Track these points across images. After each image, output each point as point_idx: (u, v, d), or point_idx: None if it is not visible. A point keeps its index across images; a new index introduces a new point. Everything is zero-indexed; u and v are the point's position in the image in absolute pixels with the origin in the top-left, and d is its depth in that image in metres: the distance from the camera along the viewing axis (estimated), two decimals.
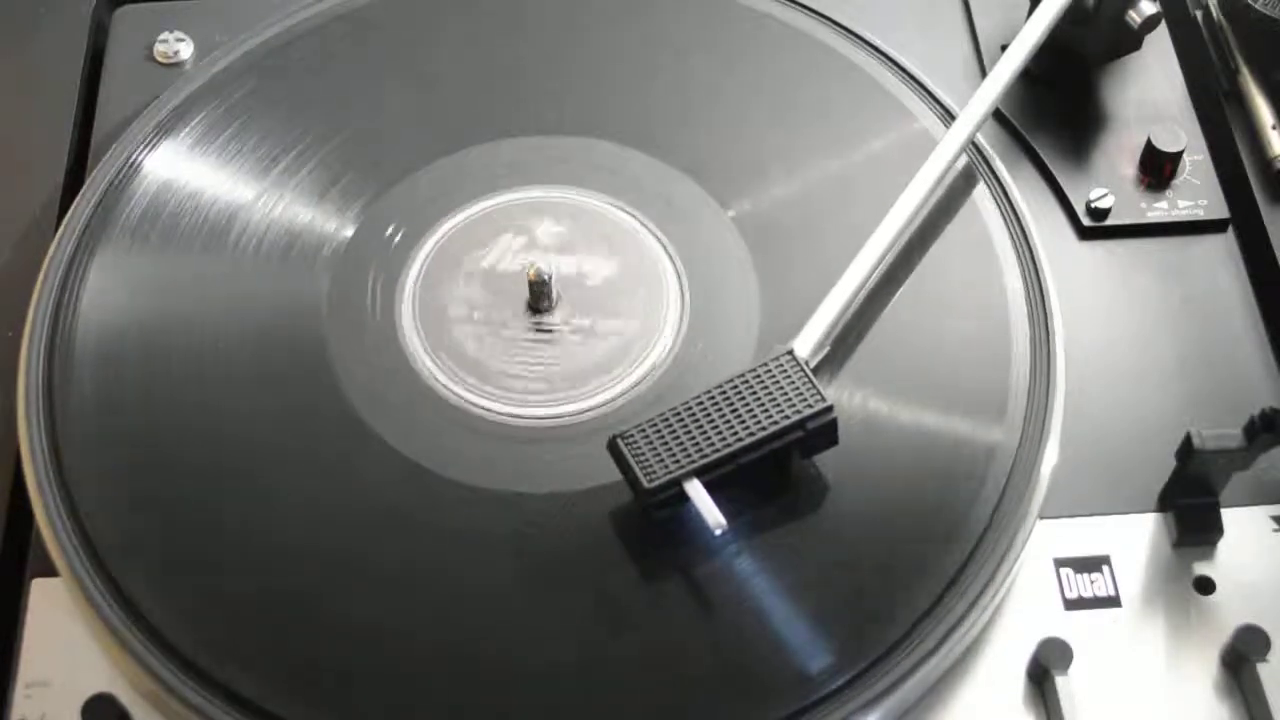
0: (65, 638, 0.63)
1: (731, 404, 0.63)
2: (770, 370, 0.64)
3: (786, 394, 0.63)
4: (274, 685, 0.60)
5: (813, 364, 0.65)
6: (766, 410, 0.63)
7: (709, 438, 0.62)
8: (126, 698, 0.60)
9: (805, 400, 0.63)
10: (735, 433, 0.62)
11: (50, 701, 0.61)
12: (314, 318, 0.70)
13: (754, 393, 0.63)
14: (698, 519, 0.60)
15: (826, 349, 0.67)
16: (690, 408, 0.63)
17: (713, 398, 0.63)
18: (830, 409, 0.63)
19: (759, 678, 0.60)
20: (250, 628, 0.62)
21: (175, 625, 0.61)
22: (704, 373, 0.67)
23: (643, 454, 0.62)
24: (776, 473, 0.64)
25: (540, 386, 0.68)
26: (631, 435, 0.62)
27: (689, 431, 0.62)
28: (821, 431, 0.63)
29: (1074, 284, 0.72)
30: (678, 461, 0.61)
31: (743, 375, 0.64)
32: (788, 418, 0.62)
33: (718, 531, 0.60)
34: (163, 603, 0.62)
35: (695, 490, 0.61)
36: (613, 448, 0.63)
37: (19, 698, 0.61)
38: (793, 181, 0.74)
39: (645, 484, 0.61)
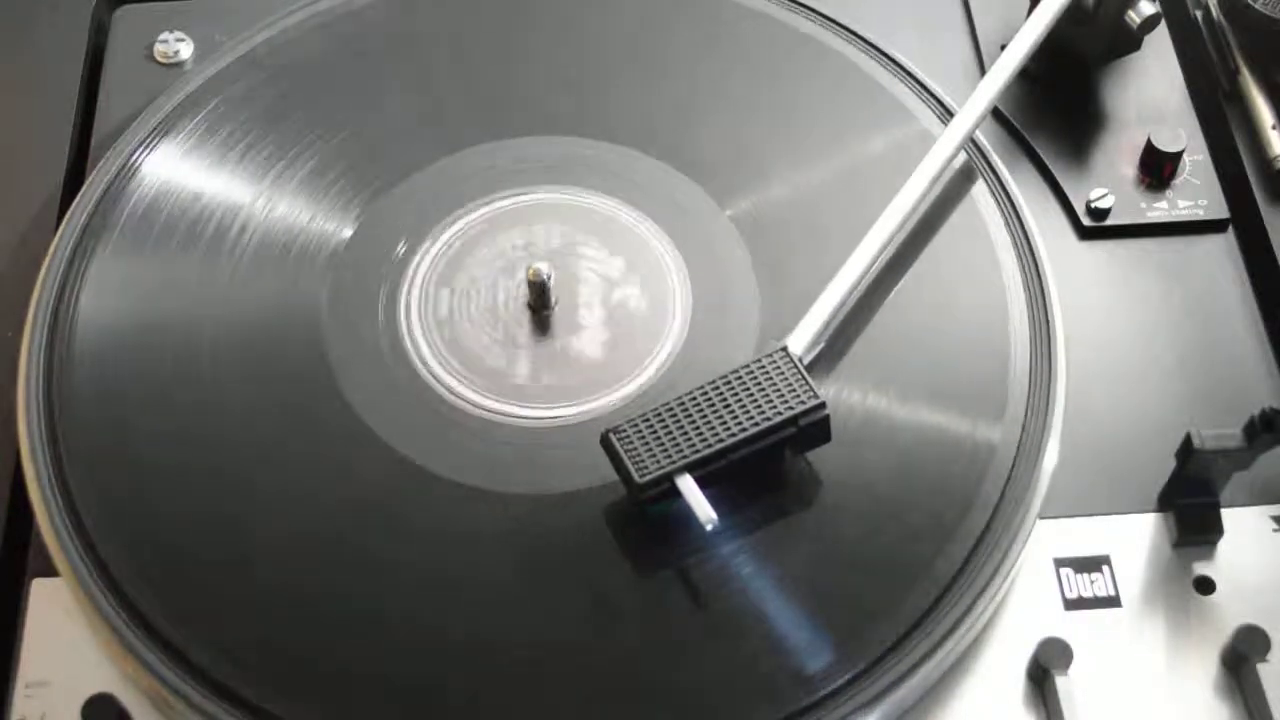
0: (65, 638, 0.63)
1: (725, 399, 0.63)
2: (764, 366, 0.64)
3: (780, 390, 0.63)
4: (274, 685, 0.60)
5: (807, 360, 0.65)
6: (759, 406, 0.63)
7: (701, 433, 0.62)
8: (126, 698, 0.60)
9: (798, 397, 0.63)
10: (728, 428, 0.62)
11: (50, 701, 0.61)
12: (313, 318, 0.70)
13: (747, 389, 0.63)
14: (692, 515, 0.60)
15: (821, 346, 0.67)
16: (683, 403, 0.63)
17: (705, 393, 0.63)
18: (822, 406, 0.63)
19: (758, 677, 0.60)
20: (250, 627, 0.62)
21: (175, 625, 0.61)
22: (703, 372, 0.67)
23: (635, 449, 0.62)
24: (771, 469, 0.64)
25: (539, 386, 0.68)
26: (624, 430, 0.62)
27: (681, 427, 0.62)
28: (814, 428, 0.63)
29: (1074, 284, 0.72)
30: (670, 456, 0.62)
31: (736, 371, 0.64)
32: (780, 414, 0.62)
33: (709, 526, 0.60)
34: (163, 603, 0.62)
35: (686, 485, 0.61)
36: (605, 442, 0.63)
37: (19, 698, 0.61)
38: (792, 181, 0.74)
39: (637, 479, 0.61)
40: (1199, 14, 0.80)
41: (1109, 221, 0.74)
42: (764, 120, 0.76)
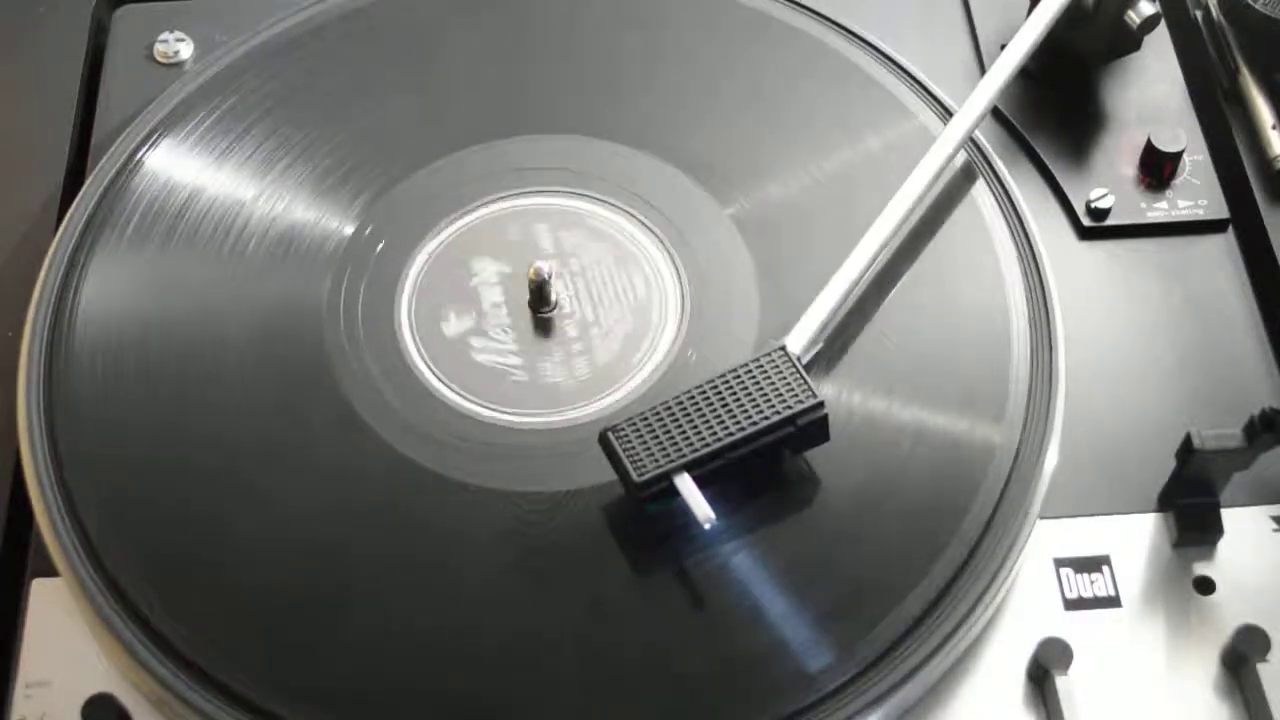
0: (65, 638, 0.63)
1: (723, 399, 0.63)
2: (762, 365, 0.64)
3: (778, 389, 0.63)
4: (274, 685, 0.60)
5: (805, 360, 0.65)
6: (757, 405, 0.63)
7: (699, 432, 0.62)
8: (126, 698, 0.60)
9: (796, 396, 0.63)
10: (726, 427, 0.62)
11: (50, 701, 0.61)
12: (313, 317, 0.70)
13: (745, 388, 0.63)
14: (690, 514, 0.60)
15: (820, 345, 0.67)
16: (681, 402, 0.63)
17: (704, 392, 0.63)
18: (821, 405, 0.63)
19: (759, 677, 0.60)
20: (250, 627, 0.62)
21: (175, 625, 0.61)
22: (702, 372, 0.67)
23: (633, 448, 0.62)
24: (769, 469, 0.64)
25: (539, 385, 0.68)
26: (622, 429, 0.62)
27: (680, 426, 0.62)
28: (812, 427, 0.63)
29: (1074, 284, 0.72)
30: (668, 455, 0.62)
31: (734, 370, 0.64)
32: (778, 413, 0.62)
33: (706, 525, 0.60)
34: (163, 603, 0.62)
35: (684, 484, 0.61)
36: (603, 441, 0.63)
37: (19, 698, 0.61)
38: (792, 180, 0.74)
39: (635, 478, 0.61)
40: (1199, 14, 0.80)
41: (1109, 221, 0.74)
42: (764, 120, 0.76)
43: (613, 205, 0.74)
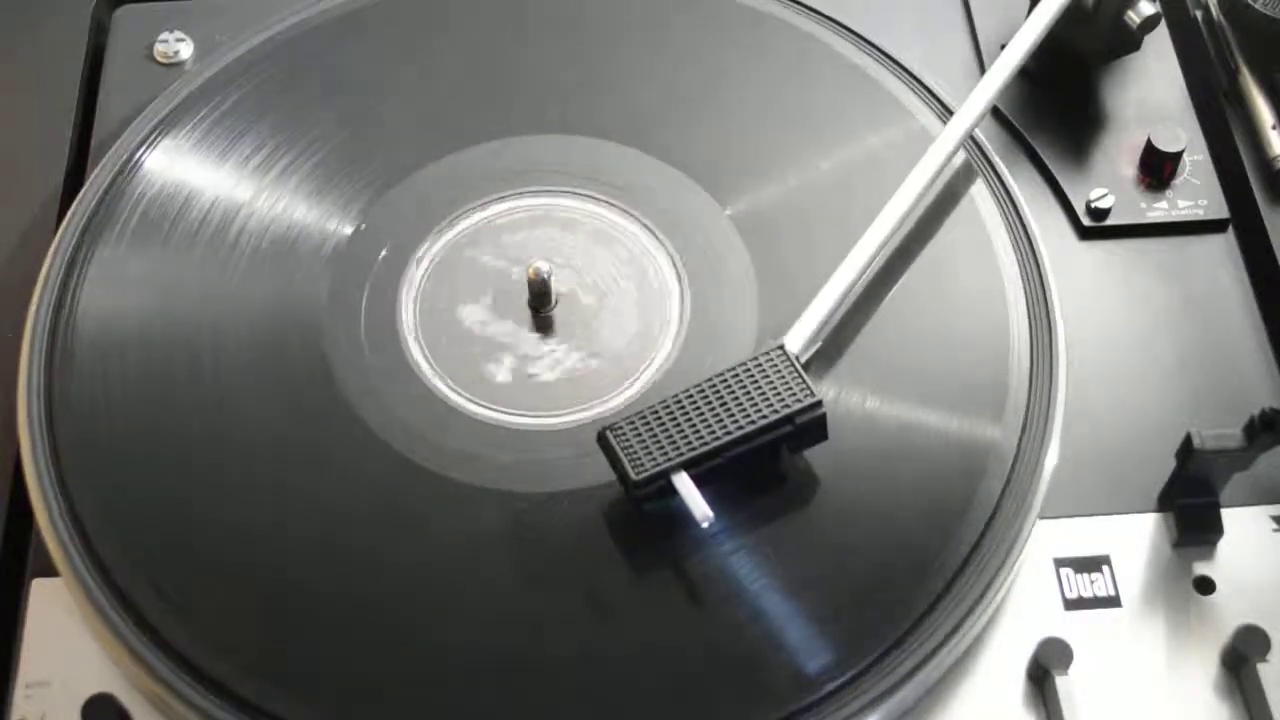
0: (65, 638, 0.63)
1: (721, 398, 0.63)
2: (760, 364, 0.64)
3: (776, 388, 0.63)
4: (273, 685, 0.60)
5: (804, 359, 0.65)
6: (755, 404, 0.63)
7: (698, 431, 0.62)
8: (126, 698, 0.60)
9: (794, 395, 0.63)
10: (724, 426, 0.62)
11: (50, 701, 0.61)
12: (313, 317, 0.70)
13: (743, 387, 0.63)
14: (689, 513, 0.60)
15: (819, 344, 0.67)
16: (680, 401, 0.63)
17: (702, 391, 0.63)
18: (819, 404, 0.63)
19: (758, 678, 0.60)
20: (250, 627, 0.62)
21: (175, 625, 0.61)
22: (702, 372, 0.67)
23: (631, 446, 0.62)
24: (768, 468, 0.64)
25: (538, 384, 0.68)
26: (620, 428, 0.62)
27: (678, 424, 0.62)
28: (810, 426, 0.63)
29: (1074, 284, 0.72)
30: (666, 454, 0.62)
31: (733, 369, 0.64)
32: (776, 412, 0.62)
33: (705, 524, 0.60)
34: (162, 603, 0.62)
35: (682, 483, 0.61)
36: (602, 440, 0.63)
37: (19, 698, 0.61)
38: (792, 181, 0.74)
39: (633, 476, 0.61)
40: (1199, 14, 0.80)
41: (1109, 221, 0.74)
42: (764, 120, 0.76)
43: (612, 205, 0.74)
